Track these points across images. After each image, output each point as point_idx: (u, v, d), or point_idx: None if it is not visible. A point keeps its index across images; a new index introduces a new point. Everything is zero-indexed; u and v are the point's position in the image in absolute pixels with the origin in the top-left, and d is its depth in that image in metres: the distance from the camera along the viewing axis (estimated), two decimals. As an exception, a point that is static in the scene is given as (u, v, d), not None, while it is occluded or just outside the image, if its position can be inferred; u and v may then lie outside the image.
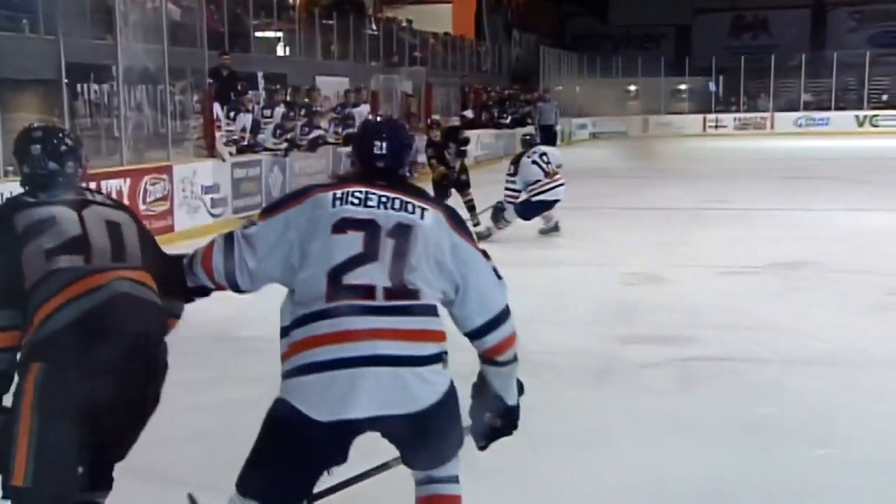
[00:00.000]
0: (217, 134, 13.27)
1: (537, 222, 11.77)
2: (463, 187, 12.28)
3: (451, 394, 3.00)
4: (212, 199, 12.77)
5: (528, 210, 11.60)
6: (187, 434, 4.88)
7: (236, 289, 3.10)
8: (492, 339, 3.08)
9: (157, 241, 3.49)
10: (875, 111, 35.11)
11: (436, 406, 2.93)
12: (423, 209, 3.02)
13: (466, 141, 12.86)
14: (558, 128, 25.73)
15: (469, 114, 24.57)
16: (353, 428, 2.91)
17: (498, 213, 11.77)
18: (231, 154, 13.49)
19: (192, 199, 12.37)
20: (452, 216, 3.11)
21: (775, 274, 9.46)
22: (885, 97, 36.46)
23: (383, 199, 3.00)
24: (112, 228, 3.24)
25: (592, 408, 5.54)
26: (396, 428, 2.94)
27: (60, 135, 3.49)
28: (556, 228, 11.75)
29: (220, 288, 3.15)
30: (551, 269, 9.86)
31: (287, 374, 2.92)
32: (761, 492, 4.36)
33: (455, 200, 11.78)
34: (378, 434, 3.00)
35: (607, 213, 14.51)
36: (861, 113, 35.25)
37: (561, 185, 11.62)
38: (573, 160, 23.81)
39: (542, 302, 8.29)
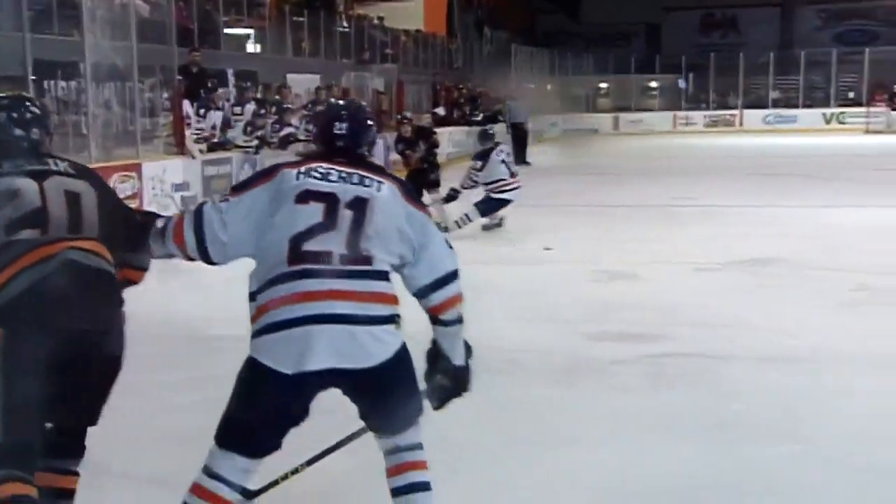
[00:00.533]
0: (187, 131, 13.21)
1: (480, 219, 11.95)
2: (432, 186, 12.28)
3: (403, 354, 3.26)
4: (182, 196, 12.64)
5: (489, 207, 11.86)
6: (165, 433, 4.86)
7: (208, 261, 3.33)
8: (437, 297, 3.32)
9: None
10: (842, 108, 35.33)
11: (389, 364, 3.19)
12: (379, 183, 3.31)
13: (436, 144, 12.87)
14: (529, 125, 25.68)
15: (441, 111, 24.55)
16: (315, 381, 3.16)
17: (451, 198, 12.13)
18: (201, 151, 13.42)
19: (162, 197, 12.25)
20: (406, 189, 3.41)
21: (747, 271, 9.48)
22: (851, 94, 36.69)
23: (342, 175, 3.29)
24: (70, 199, 3.39)
25: (564, 406, 5.51)
26: (354, 384, 3.22)
27: (27, 103, 3.64)
28: (500, 224, 11.93)
29: (191, 260, 3.36)
30: (522, 268, 9.84)
31: (255, 335, 3.19)
32: (732, 489, 4.33)
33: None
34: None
35: (578, 211, 14.51)
36: (828, 110, 35.47)
37: (519, 186, 12.08)
38: (543, 159, 24.00)
39: (513, 299, 8.29)
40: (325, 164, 3.32)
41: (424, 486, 3.40)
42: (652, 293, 8.50)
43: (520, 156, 23.53)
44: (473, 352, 3.53)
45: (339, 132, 3.42)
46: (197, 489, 3.23)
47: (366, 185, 3.28)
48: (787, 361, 6.36)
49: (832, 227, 12.38)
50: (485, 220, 11.92)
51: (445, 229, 11.50)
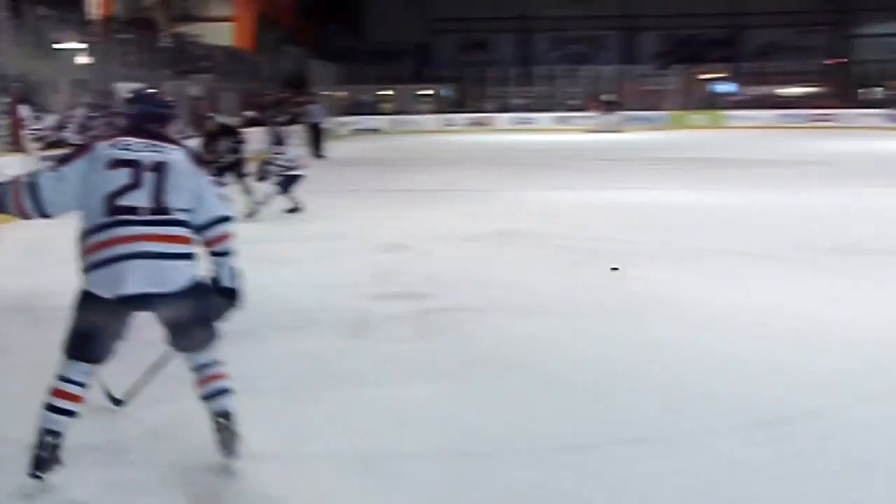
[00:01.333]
0: (24, 132, 12.46)
1: (283, 203, 11.78)
2: (240, 176, 12.02)
3: (199, 284, 3.54)
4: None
5: (285, 185, 11.77)
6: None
7: (45, 217, 3.53)
8: (210, 234, 3.57)
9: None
10: (568, 113, 36.53)
11: (187, 289, 3.48)
12: (172, 150, 3.57)
13: (240, 140, 12.53)
14: (324, 125, 25.44)
15: (249, 113, 23.98)
16: (129, 304, 3.44)
17: (262, 178, 12.03)
18: (38, 149, 12.68)
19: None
20: (192, 155, 3.67)
21: (497, 241, 9.62)
22: (575, 102, 37.92)
23: (144, 145, 3.52)
24: None
25: (352, 353, 5.52)
26: (159, 306, 3.49)
27: None
28: (299, 208, 11.78)
29: (27, 218, 3.55)
30: (317, 242, 9.74)
31: (83, 271, 3.46)
32: (482, 412, 4.44)
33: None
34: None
35: (365, 195, 14.51)
36: (558, 114, 36.61)
37: (306, 167, 12.44)
38: (336, 153, 23.85)
39: (310, 268, 8.23)
40: (130, 138, 3.54)
41: (227, 390, 3.68)
42: (422, 261, 8.57)
43: (316, 150, 23.36)
44: (241, 276, 3.69)
45: (139, 113, 3.67)
46: (54, 391, 3.46)
47: (162, 152, 3.52)
48: (527, 311, 6.52)
49: (562, 204, 12.79)
50: (288, 204, 11.74)
51: (251, 214, 11.35)
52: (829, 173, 17.25)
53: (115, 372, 3.92)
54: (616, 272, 6.26)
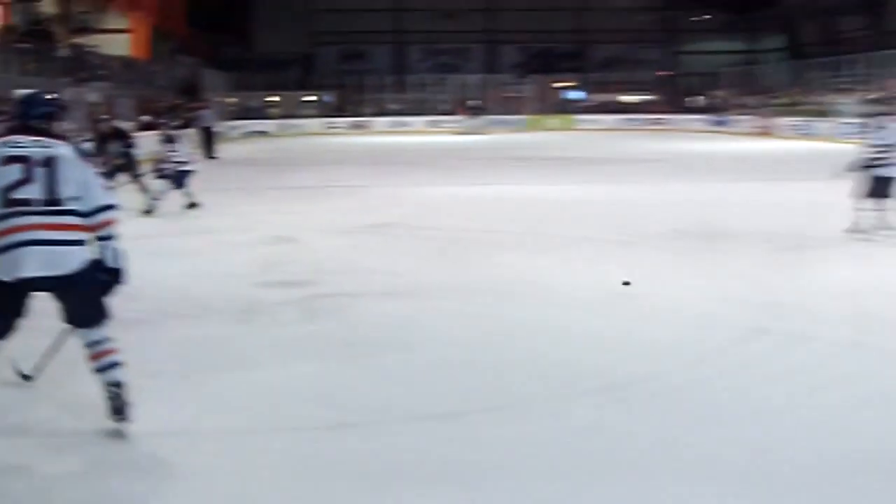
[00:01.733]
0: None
1: (178, 200, 11.40)
2: (136, 177, 11.62)
3: (91, 267, 3.61)
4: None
5: (180, 179, 11.38)
6: None
7: None
8: (94, 220, 3.61)
9: None
10: (438, 117, 36.65)
11: (79, 272, 3.56)
12: (60, 145, 3.60)
13: (130, 143, 12.05)
14: (216, 129, 24.77)
15: (145, 118, 23.14)
16: (27, 285, 3.53)
17: (161, 176, 11.51)
18: None
19: None
20: (77, 150, 3.69)
21: (375, 232, 9.58)
22: (444, 107, 38.10)
23: (34, 143, 3.56)
24: None
25: (241, 338, 5.40)
26: (55, 286, 3.57)
27: None
28: (196, 204, 11.44)
29: None
30: (210, 236, 9.47)
31: None
32: (357, 388, 4.43)
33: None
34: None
35: (254, 192, 14.20)
36: (430, 118, 36.70)
37: (196, 163, 12.24)
38: (228, 154, 23.27)
39: (203, 260, 8.01)
40: (20, 137, 3.58)
41: (118, 363, 3.70)
42: (307, 251, 8.46)
43: (209, 152, 22.75)
44: (124, 257, 3.72)
45: (28, 112, 3.68)
46: None
47: (50, 148, 3.56)
48: (402, 294, 6.52)
49: (433, 199, 12.83)
50: (186, 200, 11.37)
51: (148, 211, 10.97)
52: (664, 169, 17.87)
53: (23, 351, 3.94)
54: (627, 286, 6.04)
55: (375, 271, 7.39)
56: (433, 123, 35.87)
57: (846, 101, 26.61)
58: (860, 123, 13.80)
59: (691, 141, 27.94)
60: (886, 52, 27.08)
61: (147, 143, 12.15)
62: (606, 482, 3.33)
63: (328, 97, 39.82)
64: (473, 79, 40.17)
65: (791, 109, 30.20)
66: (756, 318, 5.61)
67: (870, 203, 8.50)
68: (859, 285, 6.63)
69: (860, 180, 8.56)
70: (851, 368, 4.67)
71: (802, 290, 6.48)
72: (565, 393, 4.33)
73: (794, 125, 28.45)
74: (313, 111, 38.97)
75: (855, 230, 8.49)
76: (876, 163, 8.46)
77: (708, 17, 40.06)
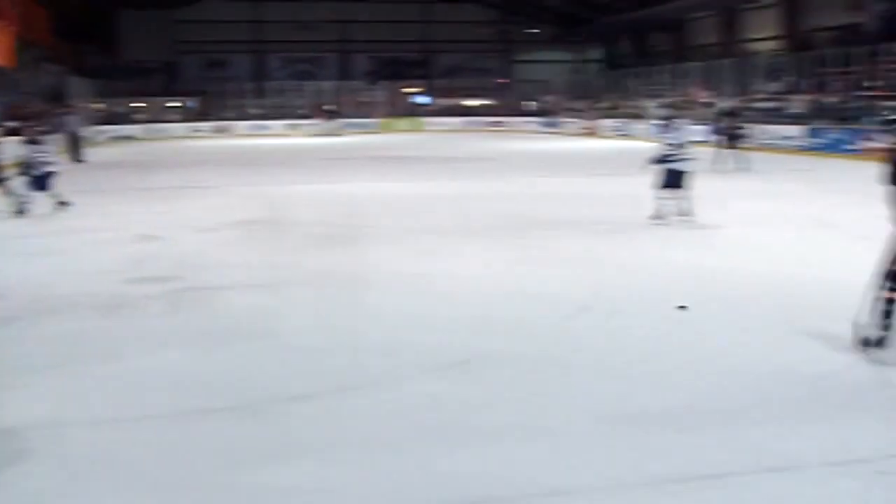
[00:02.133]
0: None
1: (47, 201, 10.74)
2: (1, 180, 10.89)
3: None
4: None
5: (45, 180, 10.79)
6: None
7: None
8: None
9: None
10: (297, 120, 35.98)
11: None
12: None
13: None
14: (82, 133, 23.39)
15: (10, 124, 21.56)
16: None
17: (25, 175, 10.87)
18: None
19: None
20: None
21: (236, 229, 9.38)
22: (302, 111, 37.41)
23: None
24: None
25: (109, 331, 5.20)
26: None
27: None
28: (67, 203, 10.84)
29: None
30: (78, 235, 9.03)
31: None
32: (223, 375, 4.35)
33: None
34: None
35: (119, 193, 13.54)
36: (288, 121, 36.05)
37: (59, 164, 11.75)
38: (95, 157, 22.08)
39: (72, 258, 7.62)
40: None
41: None
42: (172, 248, 8.19)
43: (76, 156, 21.53)
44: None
45: None
46: None
47: None
48: (262, 287, 6.42)
49: (293, 196, 12.62)
50: (54, 200, 10.71)
51: (20, 212, 10.37)
52: (503, 166, 18.31)
53: None
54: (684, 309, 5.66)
55: (236, 265, 7.25)
56: (292, 127, 35.29)
57: (656, 105, 28.16)
58: (657, 124, 14.78)
59: (527, 141, 28.76)
60: (688, 63, 29.59)
61: (12, 148, 11.34)
62: (451, 450, 3.43)
63: (192, 103, 38.41)
64: (328, 85, 39.85)
65: (611, 112, 31.63)
66: (581, 296, 5.87)
67: (666, 193, 9.10)
68: (660, 263, 7.06)
69: (657, 174, 9.13)
70: (664, 332, 4.97)
71: (621, 269, 6.83)
72: (413, 370, 4.41)
73: (614, 126, 29.81)
74: (178, 116, 37.48)
75: (656, 217, 9.08)
76: (670, 158, 9.07)
77: (537, 31, 41.25)
